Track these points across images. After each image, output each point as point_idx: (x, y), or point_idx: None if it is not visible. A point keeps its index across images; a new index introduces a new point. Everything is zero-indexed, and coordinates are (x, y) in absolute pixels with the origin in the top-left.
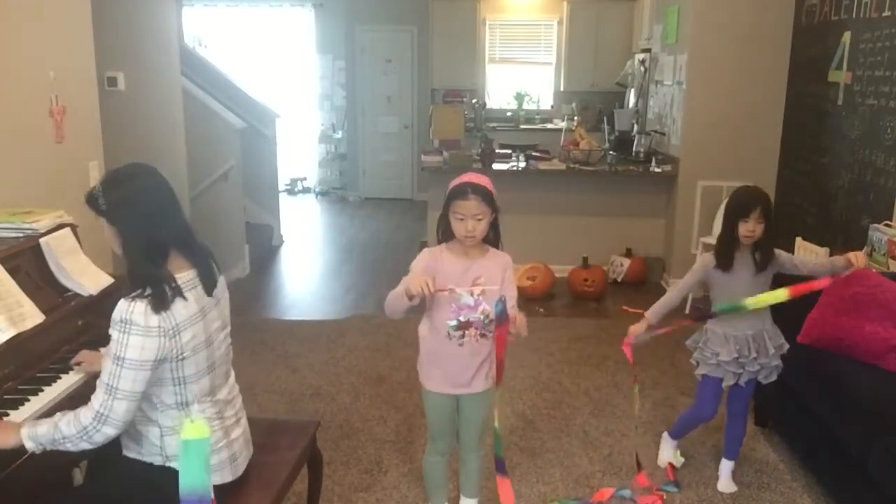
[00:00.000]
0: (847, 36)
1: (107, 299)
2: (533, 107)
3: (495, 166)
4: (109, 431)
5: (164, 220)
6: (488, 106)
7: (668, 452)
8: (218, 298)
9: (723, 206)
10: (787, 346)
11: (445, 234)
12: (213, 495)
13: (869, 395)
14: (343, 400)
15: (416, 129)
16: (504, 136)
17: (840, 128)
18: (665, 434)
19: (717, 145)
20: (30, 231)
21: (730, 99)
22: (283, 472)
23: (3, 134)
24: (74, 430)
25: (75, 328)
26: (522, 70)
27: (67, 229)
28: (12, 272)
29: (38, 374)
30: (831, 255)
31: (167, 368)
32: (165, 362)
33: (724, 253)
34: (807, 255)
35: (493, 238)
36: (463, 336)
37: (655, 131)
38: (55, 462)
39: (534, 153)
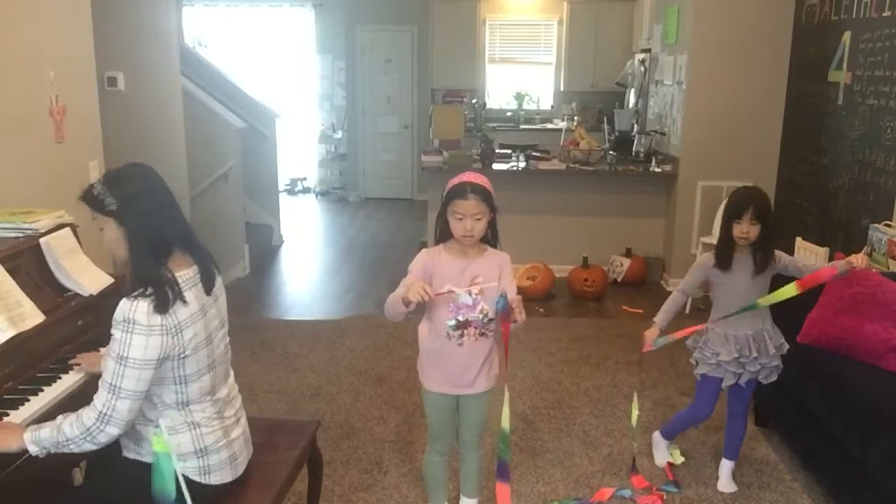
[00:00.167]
0: (847, 36)
1: (107, 299)
2: (533, 107)
3: (495, 166)
4: (113, 431)
5: (169, 218)
6: (488, 106)
7: (662, 452)
8: (216, 296)
9: (722, 206)
10: (787, 347)
11: (443, 234)
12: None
13: (869, 395)
14: (343, 400)
15: (416, 129)
16: (504, 136)
17: (840, 128)
18: (656, 434)
19: (717, 145)
20: (30, 231)
21: (730, 99)
22: (282, 472)
23: (3, 134)
24: (78, 432)
25: (75, 328)
26: (522, 70)
27: (67, 229)
28: (12, 272)
29: (38, 374)
30: (831, 255)
31: (169, 367)
32: (167, 360)
33: (723, 253)
34: (807, 255)
35: (491, 238)
36: (462, 336)
37: (655, 131)
38: (55, 462)
39: (534, 153)
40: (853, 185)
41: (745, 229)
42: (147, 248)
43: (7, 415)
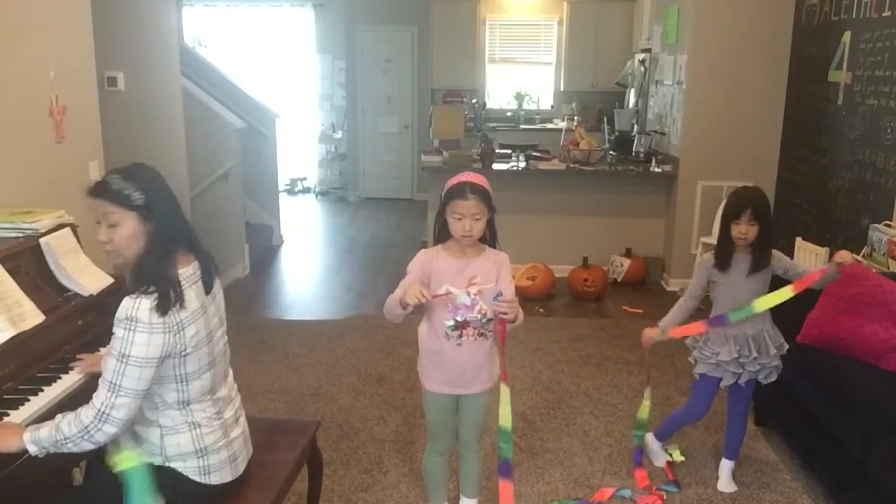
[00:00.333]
0: (847, 36)
1: (107, 299)
2: (533, 107)
3: (495, 166)
4: (111, 430)
5: (179, 215)
6: (488, 106)
7: (658, 453)
8: (214, 294)
9: (722, 206)
10: (787, 347)
11: (442, 234)
12: None
13: (869, 395)
14: (343, 400)
15: (416, 129)
16: (504, 136)
17: (840, 128)
18: (650, 436)
19: (717, 145)
20: (30, 231)
21: (730, 99)
22: (282, 472)
23: (3, 134)
24: (76, 430)
25: (75, 328)
26: (522, 70)
27: (67, 229)
28: (12, 272)
29: (38, 374)
30: (831, 255)
31: (170, 365)
32: (169, 358)
33: (722, 254)
34: (807, 255)
35: (489, 238)
36: (461, 336)
37: (655, 131)
38: (55, 462)
39: (534, 153)
40: (853, 185)
41: (744, 230)
42: (163, 244)
43: (7, 415)
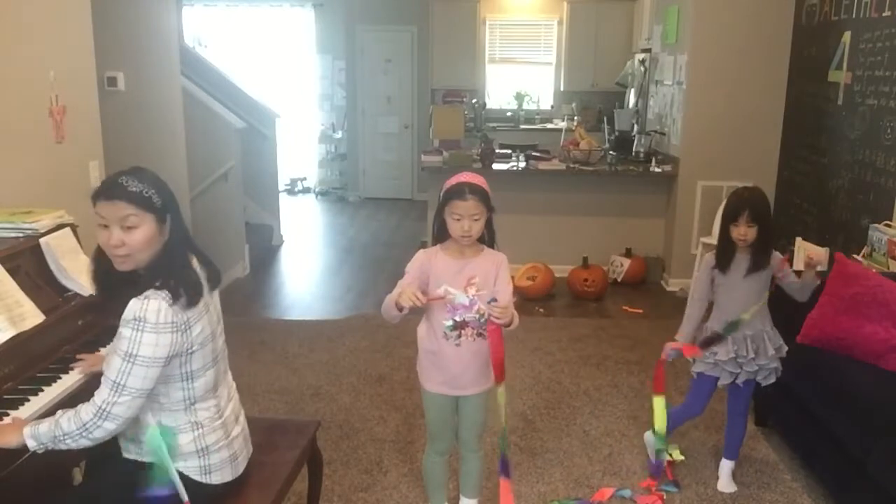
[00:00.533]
0: (847, 36)
1: None
2: (533, 107)
3: (495, 166)
4: (110, 427)
5: (182, 217)
6: (488, 106)
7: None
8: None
9: (722, 206)
10: (786, 349)
11: (440, 234)
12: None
13: (869, 395)
14: (343, 400)
15: (416, 129)
16: (504, 136)
17: (840, 128)
18: (648, 434)
19: (717, 145)
20: (30, 231)
21: (730, 99)
22: (282, 472)
23: (3, 134)
24: (75, 427)
25: (75, 328)
26: (522, 70)
27: (67, 229)
28: (12, 272)
29: (38, 374)
30: (831, 254)
31: (176, 363)
32: (176, 357)
33: (723, 256)
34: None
35: (488, 238)
36: (459, 336)
37: (655, 131)
38: (55, 461)
39: (534, 153)
40: (853, 185)
41: (743, 232)
42: (182, 244)
43: (7, 415)
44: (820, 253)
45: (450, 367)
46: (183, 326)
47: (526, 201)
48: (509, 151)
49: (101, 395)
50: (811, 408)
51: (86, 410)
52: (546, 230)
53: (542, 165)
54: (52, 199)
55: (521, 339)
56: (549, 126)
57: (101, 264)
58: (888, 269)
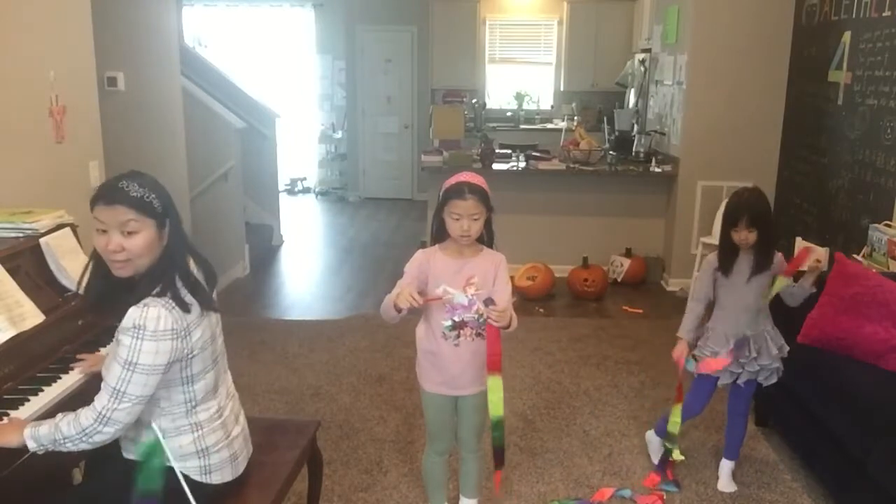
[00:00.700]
0: (847, 36)
1: None
2: (533, 107)
3: (495, 166)
4: (110, 432)
5: (181, 219)
6: (488, 106)
7: (657, 450)
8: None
9: (723, 206)
10: (787, 349)
11: (439, 234)
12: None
13: (869, 395)
14: (343, 400)
15: (416, 129)
16: (504, 136)
17: (840, 128)
18: (650, 433)
19: (717, 145)
20: (30, 231)
21: (730, 99)
22: (282, 472)
23: (3, 134)
24: (74, 431)
25: (75, 328)
26: (522, 70)
27: (67, 229)
28: (12, 272)
29: (38, 374)
30: (831, 254)
31: (177, 368)
32: (176, 363)
33: (726, 259)
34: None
35: (487, 238)
36: (458, 336)
37: (655, 131)
38: (55, 461)
39: (534, 153)
40: (853, 185)
41: (744, 236)
42: (180, 250)
43: (7, 415)
44: (820, 253)
45: (448, 368)
46: (183, 333)
47: (526, 201)
48: (509, 151)
49: (100, 401)
50: (811, 408)
51: (86, 416)
52: (546, 230)
53: (542, 165)
54: (52, 199)
55: (521, 339)
56: (549, 126)
57: (99, 271)
58: (888, 269)
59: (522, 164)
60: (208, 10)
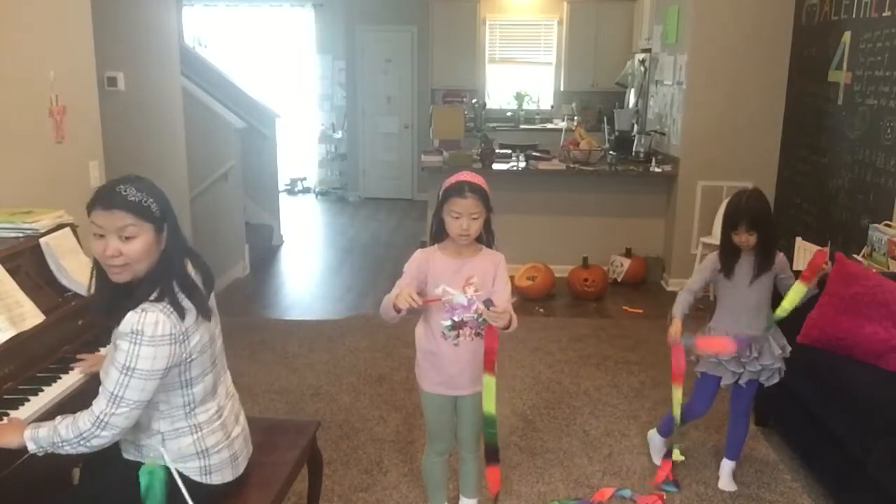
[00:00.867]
0: (847, 36)
1: None
2: (533, 107)
3: (495, 166)
4: (107, 436)
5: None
6: (488, 106)
7: (659, 450)
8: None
9: (723, 207)
10: (790, 349)
11: (438, 234)
12: None
13: (869, 395)
14: (343, 400)
15: (416, 129)
16: (504, 136)
17: (840, 128)
18: (652, 432)
19: (717, 145)
20: (30, 231)
21: (730, 99)
22: (283, 472)
23: (3, 134)
24: (72, 435)
25: (75, 328)
26: (522, 70)
27: (67, 229)
28: (12, 272)
29: (38, 374)
30: (832, 254)
31: (176, 372)
32: (175, 367)
33: (727, 261)
34: (807, 255)
35: (486, 239)
36: (458, 336)
37: (655, 131)
38: (55, 462)
39: (534, 153)
40: (853, 185)
41: (744, 239)
42: (178, 254)
43: (7, 415)
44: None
45: (448, 368)
46: (181, 337)
47: (526, 201)
48: (509, 151)
49: (98, 405)
50: (811, 408)
51: (83, 419)
52: (546, 230)
53: (542, 165)
54: (52, 199)
55: (521, 339)
56: (549, 126)
57: (102, 278)
58: (888, 269)
59: (522, 164)
60: (208, 10)
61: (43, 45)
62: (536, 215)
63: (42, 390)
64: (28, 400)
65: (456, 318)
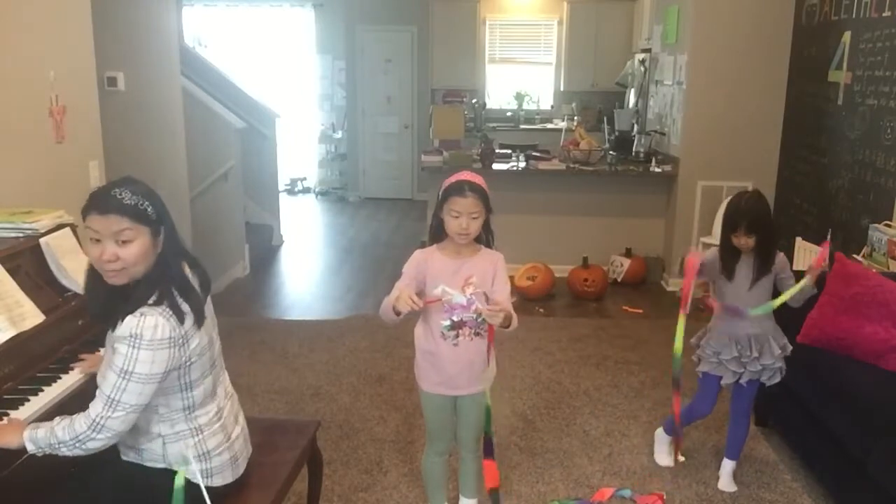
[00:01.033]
0: (847, 36)
1: None
2: (533, 107)
3: (495, 166)
4: (103, 439)
5: (174, 226)
6: (488, 106)
7: (664, 448)
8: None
9: (723, 207)
10: (790, 348)
11: (437, 233)
12: None
13: (869, 395)
14: (343, 400)
15: (416, 129)
16: (504, 136)
17: (840, 128)
18: (659, 431)
19: (717, 145)
20: (30, 231)
21: (730, 99)
22: (282, 472)
23: (3, 134)
24: (68, 436)
25: (75, 328)
26: (522, 70)
27: (67, 229)
28: (12, 272)
29: (38, 374)
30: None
31: (175, 376)
32: (174, 370)
33: (728, 263)
34: (807, 255)
35: (485, 240)
36: (457, 336)
37: (655, 131)
38: (55, 462)
39: (534, 153)
40: (853, 185)
41: (743, 241)
42: (175, 256)
43: (7, 415)
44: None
45: (447, 368)
46: (180, 341)
47: (526, 201)
48: (509, 151)
49: (95, 408)
50: (811, 408)
51: (80, 422)
52: (546, 230)
53: (542, 165)
54: (52, 199)
55: (521, 339)
56: (549, 126)
57: (94, 281)
58: (888, 269)
59: (522, 164)
60: (208, 10)
61: (43, 45)
62: (536, 215)
63: (42, 390)
64: (28, 400)
65: (455, 318)
